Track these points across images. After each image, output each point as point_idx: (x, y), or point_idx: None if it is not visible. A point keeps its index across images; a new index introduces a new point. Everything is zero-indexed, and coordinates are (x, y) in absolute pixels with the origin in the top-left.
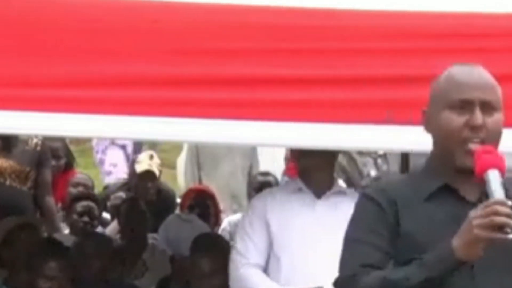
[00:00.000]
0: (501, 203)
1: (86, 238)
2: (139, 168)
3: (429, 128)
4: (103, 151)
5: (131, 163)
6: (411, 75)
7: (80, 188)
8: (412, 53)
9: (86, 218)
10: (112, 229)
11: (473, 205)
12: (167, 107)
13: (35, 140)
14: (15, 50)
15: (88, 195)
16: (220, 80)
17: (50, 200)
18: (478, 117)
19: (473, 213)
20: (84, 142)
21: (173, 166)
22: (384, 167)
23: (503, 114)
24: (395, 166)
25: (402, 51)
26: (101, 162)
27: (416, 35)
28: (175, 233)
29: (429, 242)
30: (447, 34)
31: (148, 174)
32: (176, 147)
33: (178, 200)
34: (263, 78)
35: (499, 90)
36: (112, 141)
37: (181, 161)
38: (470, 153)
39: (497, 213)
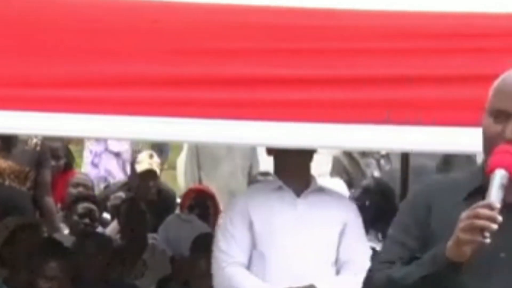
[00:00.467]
0: (488, 206)
1: (86, 238)
2: (140, 167)
3: None
4: (99, 155)
5: (131, 163)
6: (411, 75)
7: (80, 189)
8: (412, 53)
9: (86, 220)
10: (112, 229)
11: (509, 206)
12: (167, 107)
13: (34, 140)
14: (15, 50)
15: (88, 196)
16: (220, 80)
17: (50, 201)
18: (510, 130)
19: (463, 214)
20: (84, 142)
21: (173, 166)
22: (387, 168)
23: None
24: (398, 166)
25: (402, 51)
26: (94, 165)
27: (416, 35)
28: (175, 233)
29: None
30: (447, 34)
31: (149, 173)
32: (176, 147)
33: (178, 200)
34: (263, 78)
35: None
36: (106, 147)
37: (181, 161)
38: None
39: (478, 216)
